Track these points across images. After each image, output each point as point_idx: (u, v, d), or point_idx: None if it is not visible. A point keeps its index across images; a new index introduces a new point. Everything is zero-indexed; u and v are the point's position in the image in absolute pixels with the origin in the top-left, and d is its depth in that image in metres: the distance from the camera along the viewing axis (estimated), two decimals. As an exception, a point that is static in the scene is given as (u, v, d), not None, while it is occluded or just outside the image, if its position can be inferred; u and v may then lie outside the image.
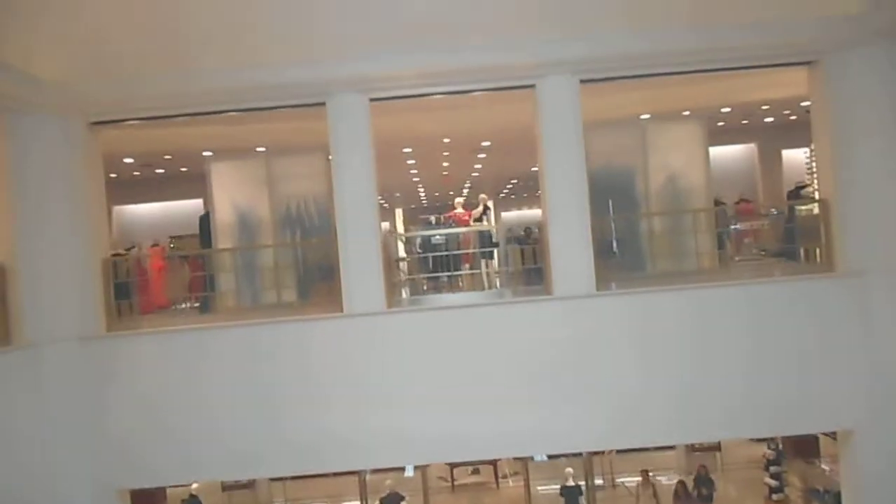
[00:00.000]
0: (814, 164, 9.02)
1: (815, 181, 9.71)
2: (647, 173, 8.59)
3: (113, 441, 7.63)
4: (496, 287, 11.62)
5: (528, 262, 9.37)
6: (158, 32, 7.48)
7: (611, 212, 8.57)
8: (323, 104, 7.91)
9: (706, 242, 8.42)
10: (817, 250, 8.30)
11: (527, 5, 7.46)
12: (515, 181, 26.72)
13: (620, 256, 8.25)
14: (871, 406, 7.53)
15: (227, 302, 8.40)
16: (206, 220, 9.25)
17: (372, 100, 7.89)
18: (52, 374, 7.40)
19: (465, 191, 27.65)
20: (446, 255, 10.90)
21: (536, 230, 22.06)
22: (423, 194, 28.47)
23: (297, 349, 7.69)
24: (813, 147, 8.69)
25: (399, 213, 33.90)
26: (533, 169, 16.36)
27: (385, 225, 26.31)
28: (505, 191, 30.73)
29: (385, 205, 28.27)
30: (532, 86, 7.93)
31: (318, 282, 8.25)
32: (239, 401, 7.66)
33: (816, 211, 8.29)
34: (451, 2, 7.38)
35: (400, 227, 31.78)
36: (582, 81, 7.88)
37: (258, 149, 13.56)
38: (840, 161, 7.83)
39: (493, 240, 11.02)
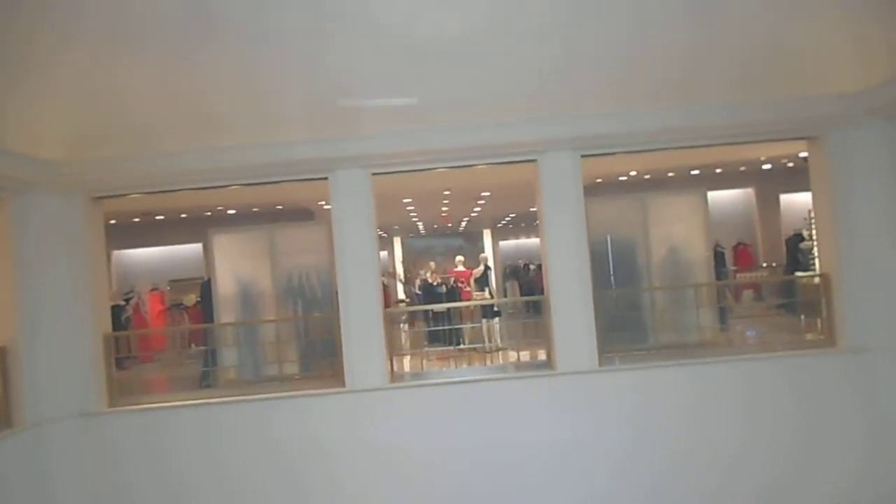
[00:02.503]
0: (813, 226, 9.03)
1: (814, 234, 9.79)
2: (649, 246, 8.62)
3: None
4: (497, 342, 11.65)
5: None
6: (163, 110, 7.50)
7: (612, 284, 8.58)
8: (325, 178, 7.97)
9: (707, 316, 8.43)
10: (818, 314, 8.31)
11: (528, 85, 7.51)
12: (513, 215, 26.82)
13: (622, 329, 8.25)
14: (872, 485, 7.53)
15: (228, 375, 8.38)
16: (207, 287, 9.27)
17: (374, 174, 7.95)
18: (54, 453, 7.35)
19: (464, 223, 27.76)
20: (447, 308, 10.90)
21: (533, 266, 22.15)
22: (421, 227, 28.56)
23: (301, 423, 7.69)
24: (813, 216, 8.71)
25: (398, 242, 33.92)
26: (531, 209, 16.50)
27: (383, 254, 26.39)
28: (502, 223, 30.80)
29: (383, 234, 28.32)
30: (533, 160, 7.99)
31: (320, 355, 8.24)
32: (246, 473, 7.65)
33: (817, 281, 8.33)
34: (453, 81, 7.41)
35: (399, 256, 31.75)
36: (583, 156, 7.95)
37: (254, 209, 13.65)
38: (841, 235, 7.85)
39: (495, 309, 10.99)
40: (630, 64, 7.43)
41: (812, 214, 8.96)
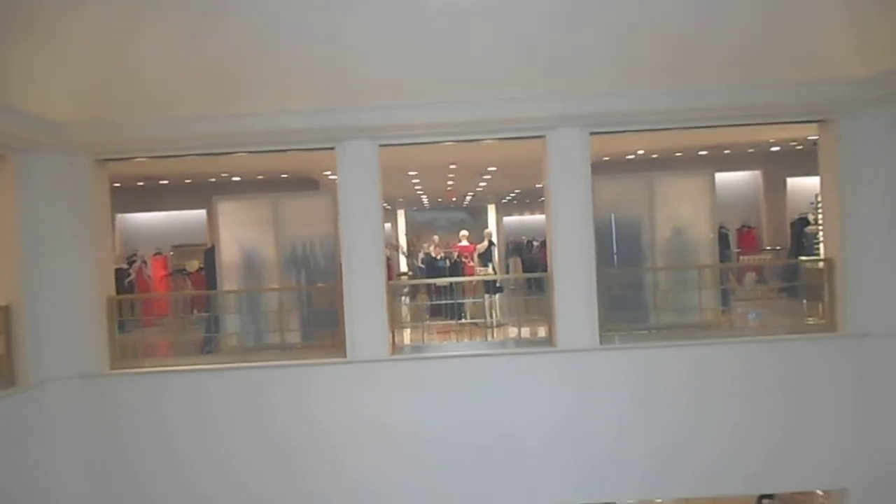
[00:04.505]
0: (820, 212, 9.01)
1: (820, 219, 9.75)
2: (654, 225, 8.60)
3: (115, 477, 7.67)
4: (498, 317, 11.68)
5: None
6: (170, 74, 7.46)
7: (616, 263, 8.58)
8: (332, 149, 7.93)
9: (709, 297, 8.44)
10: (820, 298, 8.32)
11: (540, 60, 7.44)
12: (519, 191, 26.73)
13: (623, 308, 8.26)
14: (866, 465, 7.58)
15: (230, 342, 8.42)
16: (211, 254, 9.28)
17: (381, 146, 7.91)
18: (55, 413, 7.42)
19: (468, 198, 27.68)
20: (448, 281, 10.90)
21: (536, 242, 22.16)
22: (425, 200, 28.49)
23: (300, 393, 7.74)
24: (820, 200, 8.67)
25: (401, 214, 33.87)
26: (537, 186, 16.43)
27: (387, 226, 26.35)
28: (507, 198, 30.70)
29: (387, 206, 28.26)
30: (542, 136, 7.94)
31: (322, 325, 8.27)
32: (244, 442, 7.72)
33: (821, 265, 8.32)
34: (465, 54, 7.35)
35: (402, 228, 31.72)
36: (592, 133, 7.90)
37: (259, 176, 13.60)
38: (847, 220, 7.83)
39: (497, 284, 11.00)
40: (641, 43, 7.39)
41: (819, 198, 8.91)
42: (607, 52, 7.44)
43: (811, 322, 8.53)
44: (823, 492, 9.03)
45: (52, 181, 7.54)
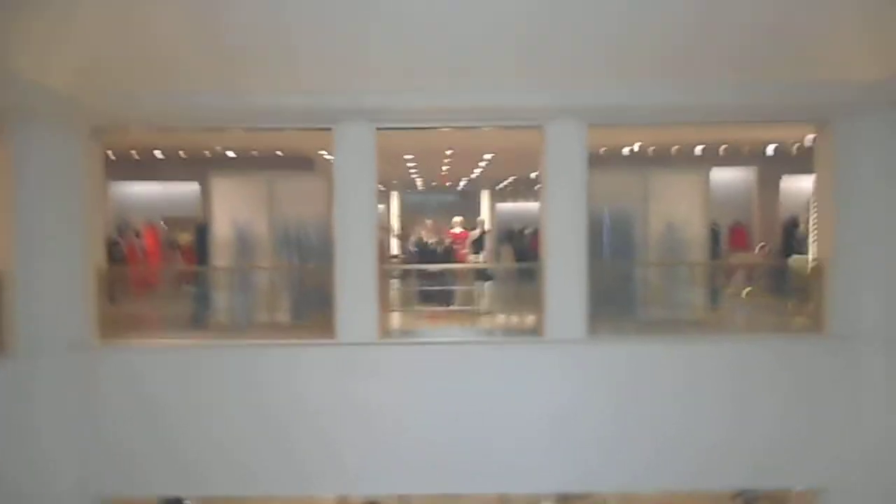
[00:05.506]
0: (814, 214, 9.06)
1: (812, 221, 9.79)
2: (647, 220, 8.63)
3: (103, 449, 7.70)
4: (488, 305, 11.70)
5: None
6: (169, 47, 7.38)
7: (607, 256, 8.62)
8: (329, 129, 7.90)
9: (699, 294, 8.50)
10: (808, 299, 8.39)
11: (540, 50, 7.41)
12: (514, 178, 26.69)
13: (613, 301, 8.31)
14: (847, 465, 7.68)
15: (219, 318, 8.42)
16: (203, 229, 9.25)
17: (379, 129, 7.88)
18: (43, 382, 7.38)
19: (463, 183, 27.63)
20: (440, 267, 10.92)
21: (528, 230, 22.18)
22: (420, 183, 28.44)
23: (288, 372, 7.76)
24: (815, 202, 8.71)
25: (395, 197, 33.78)
26: (532, 174, 16.40)
27: (380, 207, 26.24)
28: (502, 185, 30.67)
29: (381, 188, 28.13)
30: (540, 127, 7.94)
31: (312, 306, 8.28)
32: (231, 417, 7.72)
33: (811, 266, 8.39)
34: (465, 41, 7.30)
35: (395, 211, 31.66)
36: (590, 126, 7.90)
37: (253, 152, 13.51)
38: (840, 223, 7.89)
39: (488, 273, 11.03)
40: (642, 36, 7.35)
41: (813, 200, 8.96)
42: (608, 45, 7.40)
43: (798, 322, 8.60)
44: (800, 491, 9.14)
45: (48, 151, 7.43)
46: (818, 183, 8.34)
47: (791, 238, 13.30)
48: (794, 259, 11.03)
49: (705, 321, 8.58)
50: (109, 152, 13.73)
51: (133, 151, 15.54)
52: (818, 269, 8.09)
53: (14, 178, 7.22)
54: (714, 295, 9.12)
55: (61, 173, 7.59)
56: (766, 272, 12.99)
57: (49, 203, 7.49)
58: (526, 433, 7.76)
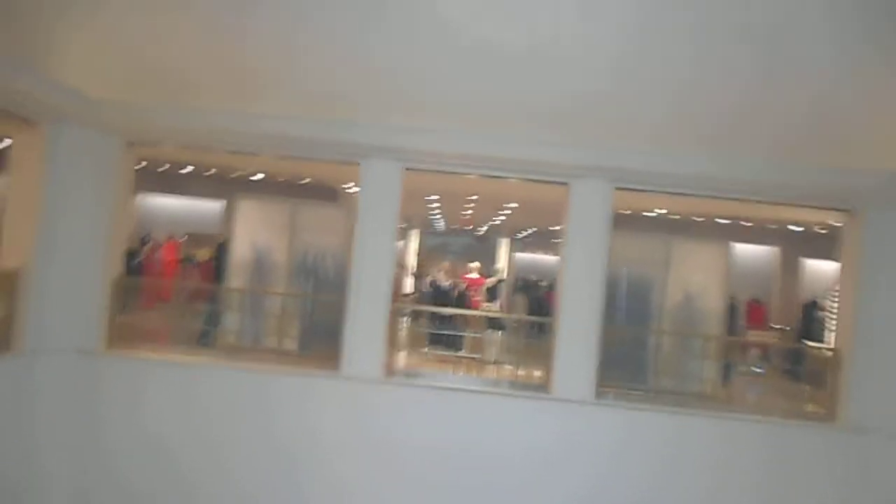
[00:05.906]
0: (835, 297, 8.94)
1: (833, 307, 9.65)
2: (665, 288, 8.55)
3: (99, 455, 7.66)
4: (497, 356, 11.58)
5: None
6: (211, 66, 7.50)
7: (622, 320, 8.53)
8: (357, 164, 7.96)
9: (711, 368, 8.36)
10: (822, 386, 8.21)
11: (574, 108, 7.45)
12: (535, 229, 26.75)
13: (623, 366, 8.19)
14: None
15: (227, 339, 8.40)
16: (223, 248, 9.30)
17: (407, 168, 7.93)
18: (45, 384, 7.41)
19: (484, 228, 27.70)
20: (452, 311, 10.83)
21: (544, 283, 22.06)
22: (441, 224, 28.56)
23: (289, 401, 7.70)
24: (837, 289, 8.58)
25: (415, 235, 33.89)
26: (553, 228, 16.37)
27: (399, 244, 26.31)
28: (522, 234, 30.72)
29: (402, 225, 28.25)
30: (566, 184, 7.95)
31: (321, 337, 8.24)
32: (229, 438, 7.70)
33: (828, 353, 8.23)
34: (500, 89, 7.35)
35: (414, 249, 31.71)
36: (616, 188, 7.90)
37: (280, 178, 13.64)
38: (861, 312, 7.76)
39: (500, 322, 10.94)
40: (678, 106, 7.35)
41: (836, 286, 8.85)
42: (644, 111, 7.42)
43: (810, 409, 8.41)
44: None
45: (81, 155, 7.60)
46: (843, 270, 8.24)
47: (811, 321, 13.09)
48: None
49: (714, 396, 8.41)
50: (143, 162, 13.99)
51: (163, 165, 15.78)
52: (836, 358, 7.93)
53: (43, 179, 7.34)
54: (726, 370, 8.95)
55: (92, 179, 7.73)
56: (782, 353, 12.80)
57: (76, 207, 7.62)
58: (520, 485, 7.64)
